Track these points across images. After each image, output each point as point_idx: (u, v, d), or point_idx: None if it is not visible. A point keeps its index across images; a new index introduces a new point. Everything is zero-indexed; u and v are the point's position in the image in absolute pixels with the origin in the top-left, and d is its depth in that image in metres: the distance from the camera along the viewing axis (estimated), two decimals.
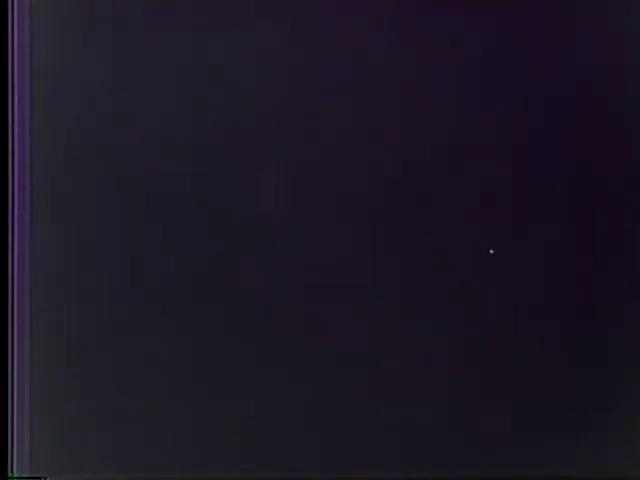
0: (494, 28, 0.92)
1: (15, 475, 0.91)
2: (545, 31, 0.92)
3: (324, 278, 0.91)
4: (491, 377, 0.91)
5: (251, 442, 0.91)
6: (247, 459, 0.91)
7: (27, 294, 0.91)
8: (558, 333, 0.91)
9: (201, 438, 0.91)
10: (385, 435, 0.91)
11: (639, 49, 0.92)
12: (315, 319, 0.91)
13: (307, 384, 0.91)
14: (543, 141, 0.92)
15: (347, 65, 0.92)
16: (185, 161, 0.92)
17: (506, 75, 0.92)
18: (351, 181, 0.92)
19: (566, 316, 0.91)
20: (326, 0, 0.93)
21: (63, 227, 0.92)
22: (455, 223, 0.92)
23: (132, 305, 0.91)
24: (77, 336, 0.91)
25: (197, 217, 0.92)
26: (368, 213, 0.92)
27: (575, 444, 0.91)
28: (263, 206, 0.92)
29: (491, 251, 0.91)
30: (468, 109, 0.92)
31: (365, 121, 0.92)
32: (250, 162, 0.92)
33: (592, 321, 0.91)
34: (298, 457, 0.91)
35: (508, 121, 0.92)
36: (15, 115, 0.92)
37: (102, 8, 0.93)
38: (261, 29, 0.93)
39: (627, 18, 0.92)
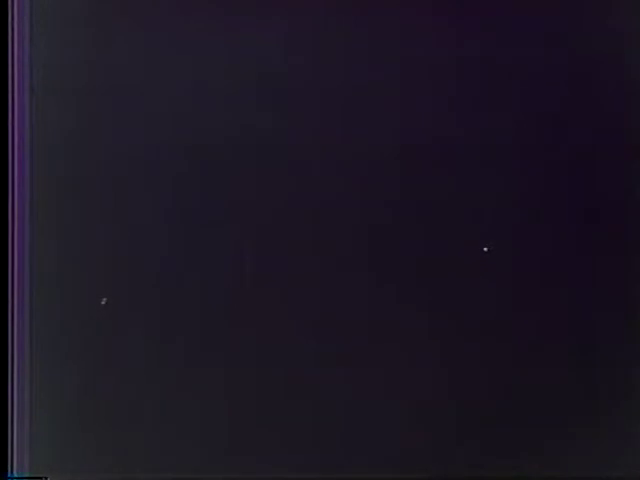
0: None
1: (15, 475, 0.91)
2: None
3: (322, 276, 0.91)
4: (490, 376, 0.91)
5: (252, 442, 0.91)
6: (247, 459, 0.91)
7: (27, 294, 0.92)
8: (557, 331, 0.91)
9: (201, 438, 0.91)
10: (384, 435, 0.91)
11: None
12: (313, 318, 0.91)
13: (307, 384, 0.91)
14: (543, 140, 0.92)
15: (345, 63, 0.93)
16: (186, 160, 0.92)
17: (506, 74, 0.92)
18: (350, 179, 0.92)
19: (566, 314, 0.91)
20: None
21: (63, 227, 0.92)
22: (452, 220, 0.92)
23: (132, 305, 0.91)
24: (77, 336, 0.91)
25: (198, 217, 0.92)
26: (366, 212, 0.92)
27: (575, 444, 0.91)
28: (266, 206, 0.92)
29: (485, 249, 0.91)
30: (467, 108, 0.92)
31: (365, 119, 0.92)
32: (251, 163, 0.92)
33: (592, 320, 0.91)
34: (296, 457, 0.91)
35: (508, 120, 0.92)
36: (15, 115, 0.92)
37: (102, 8, 0.93)
38: (262, 30, 0.93)
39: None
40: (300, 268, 0.92)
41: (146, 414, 0.91)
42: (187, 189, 0.92)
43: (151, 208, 0.92)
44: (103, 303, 0.90)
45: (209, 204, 0.92)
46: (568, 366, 0.91)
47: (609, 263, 0.91)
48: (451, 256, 0.91)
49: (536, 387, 0.91)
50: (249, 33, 0.93)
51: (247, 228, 0.92)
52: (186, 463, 0.91)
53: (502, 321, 0.91)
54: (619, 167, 0.92)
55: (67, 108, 0.92)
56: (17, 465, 0.91)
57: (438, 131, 0.92)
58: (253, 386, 0.91)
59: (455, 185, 0.92)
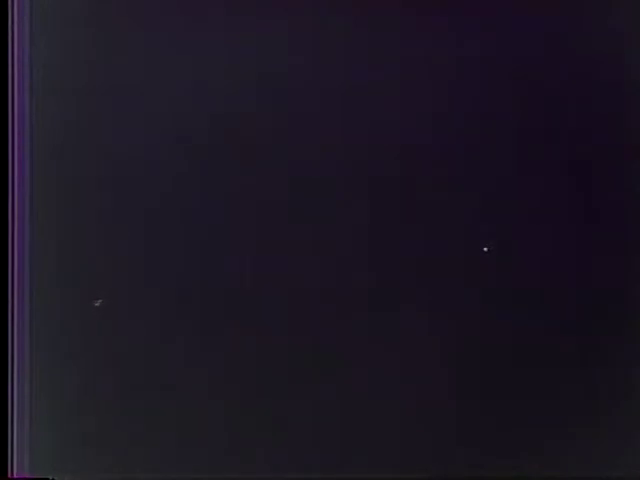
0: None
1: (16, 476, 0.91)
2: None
3: (321, 276, 0.91)
4: (490, 377, 0.91)
5: (252, 442, 0.91)
6: (247, 459, 0.91)
7: (27, 294, 0.91)
8: (557, 331, 0.91)
9: (202, 438, 0.91)
10: (384, 435, 0.91)
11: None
12: (313, 319, 0.91)
13: (307, 384, 0.91)
14: (543, 139, 0.92)
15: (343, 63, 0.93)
16: (186, 160, 0.92)
17: (505, 73, 0.92)
18: (349, 178, 0.92)
19: (566, 314, 0.91)
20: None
21: (63, 227, 0.92)
22: (452, 220, 0.92)
23: (132, 305, 0.91)
24: (77, 336, 0.91)
25: (198, 217, 0.92)
26: (366, 212, 0.92)
27: (575, 444, 0.91)
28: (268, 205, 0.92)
29: (485, 249, 0.91)
30: (467, 108, 0.92)
31: (365, 119, 0.92)
32: (251, 163, 0.92)
33: (592, 320, 0.91)
34: (296, 457, 0.91)
35: (507, 119, 0.92)
36: (15, 115, 0.92)
37: (102, 8, 0.93)
38: (262, 30, 0.93)
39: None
40: (300, 268, 0.92)
41: (146, 414, 0.91)
42: (187, 189, 0.92)
43: (151, 208, 0.92)
44: (97, 304, 0.90)
45: (209, 204, 0.92)
46: (568, 366, 0.91)
47: (609, 263, 0.91)
48: (451, 256, 0.91)
49: (536, 387, 0.91)
50: (249, 33, 0.93)
51: (247, 228, 0.92)
52: (186, 463, 0.91)
53: (502, 321, 0.91)
54: (619, 167, 0.92)
55: (67, 108, 0.92)
56: (17, 465, 0.91)
57: (438, 131, 0.92)
58: (253, 386, 0.91)
59: (455, 185, 0.92)
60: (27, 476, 0.91)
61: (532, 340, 0.91)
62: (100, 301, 0.89)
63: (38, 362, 0.91)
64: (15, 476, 0.91)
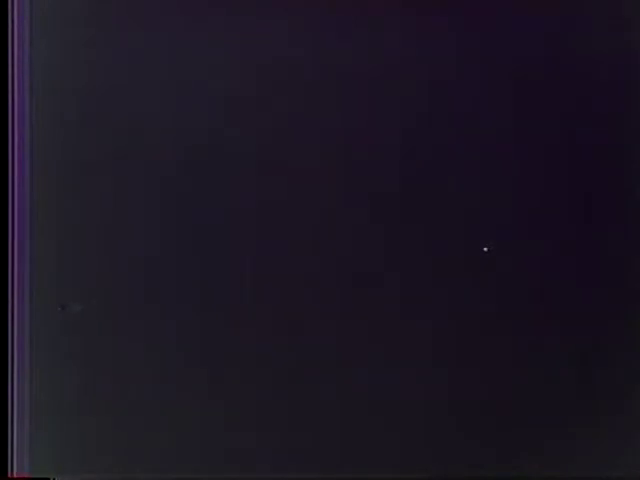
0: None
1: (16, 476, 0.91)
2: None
3: (322, 276, 0.91)
4: (490, 376, 0.91)
5: (252, 442, 0.91)
6: (247, 459, 0.91)
7: (27, 293, 0.91)
8: (557, 331, 0.91)
9: (202, 438, 0.91)
10: (384, 435, 0.91)
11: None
12: (313, 318, 0.91)
13: (307, 384, 0.91)
14: (543, 139, 0.92)
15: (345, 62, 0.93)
16: (186, 160, 0.92)
17: (506, 74, 0.92)
18: (350, 179, 0.92)
19: (566, 314, 0.91)
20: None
21: (63, 227, 0.92)
22: (452, 220, 0.92)
23: (133, 305, 0.91)
24: (78, 336, 0.91)
25: (198, 217, 0.92)
26: (366, 212, 0.92)
27: (575, 444, 0.91)
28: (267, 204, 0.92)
29: (485, 249, 0.91)
30: (467, 108, 0.92)
31: (365, 119, 0.92)
32: (251, 163, 0.92)
33: (592, 320, 0.91)
34: (296, 457, 0.91)
35: (508, 119, 0.92)
36: (15, 115, 0.92)
37: (102, 8, 0.93)
38: (262, 30, 0.93)
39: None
40: (300, 268, 0.92)
41: (146, 414, 0.91)
42: (188, 189, 0.92)
43: (151, 208, 0.92)
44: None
45: (209, 204, 0.92)
46: (568, 366, 0.91)
47: (609, 263, 0.91)
48: (451, 256, 0.91)
49: (536, 387, 0.91)
50: (249, 33, 0.93)
51: (247, 228, 0.92)
52: (186, 463, 0.91)
53: (502, 321, 0.91)
54: (619, 167, 0.92)
55: (67, 108, 0.92)
56: (17, 465, 0.91)
57: (438, 131, 0.92)
58: (253, 386, 0.91)
59: (455, 185, 0.92)
60: (27, 476, 0.91)
61: (532, 340, 0.91)
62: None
63: (38, 362, 0.91)
64: (15, 476, 0.91)
